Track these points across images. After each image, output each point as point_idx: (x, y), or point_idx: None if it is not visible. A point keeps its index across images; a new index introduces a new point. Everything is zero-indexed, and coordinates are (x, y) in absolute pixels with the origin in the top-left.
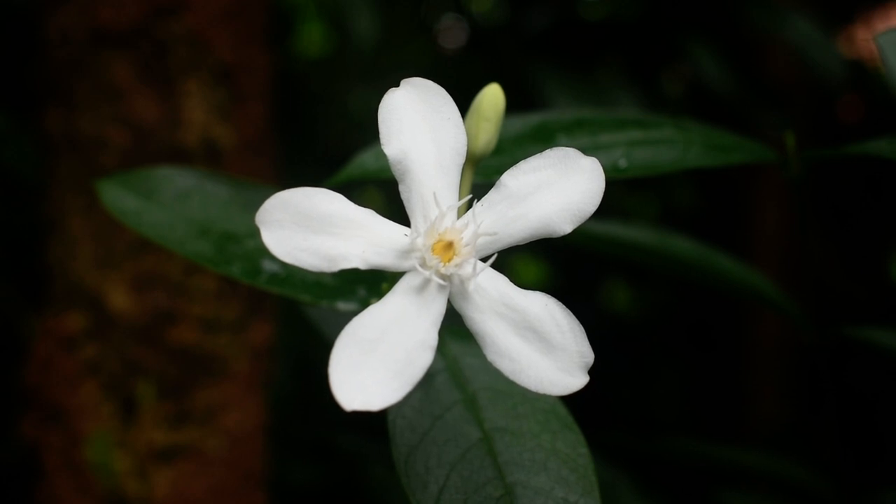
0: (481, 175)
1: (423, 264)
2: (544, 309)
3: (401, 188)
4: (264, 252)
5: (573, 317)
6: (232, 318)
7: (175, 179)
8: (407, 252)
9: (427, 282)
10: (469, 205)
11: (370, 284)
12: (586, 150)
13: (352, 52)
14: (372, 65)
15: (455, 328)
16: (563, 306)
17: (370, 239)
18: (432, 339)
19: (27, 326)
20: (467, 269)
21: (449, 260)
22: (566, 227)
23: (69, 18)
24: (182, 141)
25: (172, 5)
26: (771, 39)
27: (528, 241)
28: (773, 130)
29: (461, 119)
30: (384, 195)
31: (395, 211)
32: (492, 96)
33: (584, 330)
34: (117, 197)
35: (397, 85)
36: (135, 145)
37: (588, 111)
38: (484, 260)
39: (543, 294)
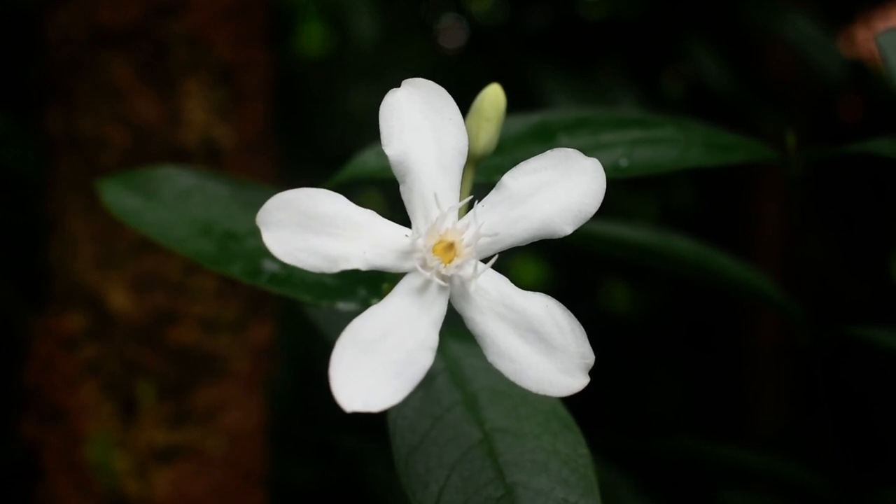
0: (483, 175)
1: (424, 265)
2: (545, 310)
3: (402, 189)
4: (265, 252)
5: (574, 318)
6: (232, 318)
7: (176, 179)
8: (408, 253)
9: (428, 283)
10: (470, 205)
11: (371, 285)
12: (587, 150)
13: (352, 52)
14: (372, 65)
15: (456, 329)
16: (564, 307)
17: (371, 240)
18: (433, 339)
19: (27, 326)
20: (468, 270)
21: (450, 261)
22: (567, 228)
23: (69, 18)
24: (182, 141)
25: (172, 5)
26: (771, 39)
27: (529, 242)
28: (773, 130)
29: (462, 119)
30: (384, 196)
31: (396, 213)
32: (493, 96)
33: (584, 331)
34: (118, 196)
35: (398, 85)
36: (135, 145)
37: (589, 110)
38: (485, 261)
39: (544, 295)
